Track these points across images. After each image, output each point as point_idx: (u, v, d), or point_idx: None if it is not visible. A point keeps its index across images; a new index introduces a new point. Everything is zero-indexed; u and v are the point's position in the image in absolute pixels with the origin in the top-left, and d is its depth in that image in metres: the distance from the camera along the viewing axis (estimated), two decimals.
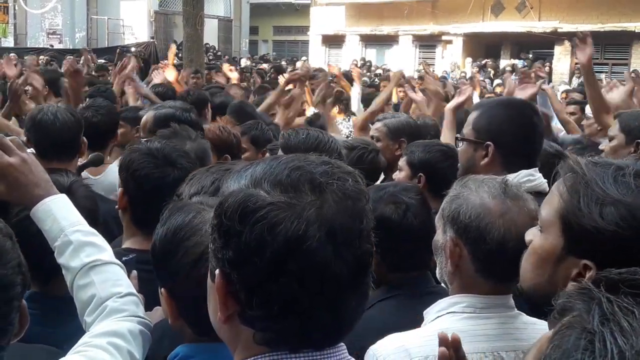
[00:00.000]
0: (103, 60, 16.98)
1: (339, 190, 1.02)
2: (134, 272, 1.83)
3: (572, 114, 6.64)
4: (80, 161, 3.36)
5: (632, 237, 1.26)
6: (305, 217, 0.98)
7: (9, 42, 27.17)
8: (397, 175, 3.11)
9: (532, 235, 1.50)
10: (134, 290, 1.60)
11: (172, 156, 2.34)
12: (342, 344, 1.10)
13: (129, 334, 1.46)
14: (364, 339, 1.66)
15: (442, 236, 1.77)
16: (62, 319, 1.76)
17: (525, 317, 1.76)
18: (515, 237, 1.65)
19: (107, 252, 1.61)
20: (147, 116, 3.70)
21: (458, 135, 2.57)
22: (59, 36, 29.19)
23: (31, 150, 1.79)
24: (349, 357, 1.10)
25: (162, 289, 1.49)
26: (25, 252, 1.84)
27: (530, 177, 2.34)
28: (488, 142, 2.39)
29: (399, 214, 2.10)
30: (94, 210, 2.11)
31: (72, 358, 1.35)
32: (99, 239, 1.62)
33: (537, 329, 1.72)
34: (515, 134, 2.41)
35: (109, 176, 3.52)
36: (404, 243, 2.04)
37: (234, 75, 10.06)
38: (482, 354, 1.66)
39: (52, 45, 26.21)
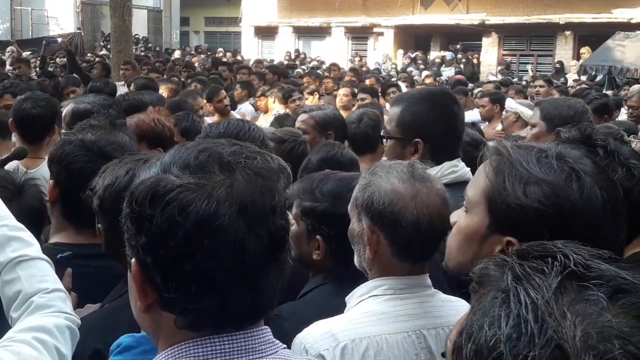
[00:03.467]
0: (29, 52, 16.47)
1: (248, 169, 1.04)
2: (69, 269, 1.80)
3: (482, 106, 6.84)
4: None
5: (553, 214, 1.32)
6: (215, 196, 0.99)
7: None
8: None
9: (457, 216, 1.55)
10: (61, 286, 1.57)
11: (107, 149, 2.29)
12: (266, 326, 1.11)
13: (55, 330, 1.44)
14: (304, 325, 1.68)
15: (357, 224, 1.79)
16: None
17: (442, 295, 1.83)
18: (427, 218, 1.71)
19: (34, 247, 1.58)
20: (66, 109, 3.62)
21: (383, 133, 2.55)
22: None
23: None
24: (274, 338, 1.12)
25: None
26: None
27: (454, 169, 2.40)
28: (417, 139, 2.40)
29: None
30: (42, 211, 2.06)
31: None
32: (26, 234, 1.59)
33: (455, 305, 1.79)
34: (441, 127, 2.43)
35: (43, 170, 3.43)
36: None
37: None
38: (406, 333, 1.70)
39: None
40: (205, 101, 6.43)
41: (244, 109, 8.21)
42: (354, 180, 1.94)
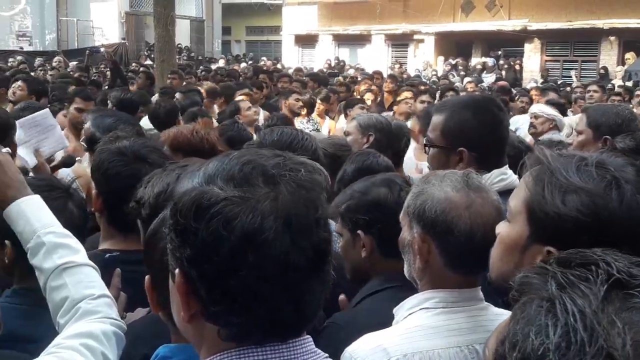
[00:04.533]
0: (75, 62, 16.82)
1: (292, 181, 1.02)
2: (118, 270, 1.82)
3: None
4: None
5: (592, 223, 1.30)
6: (260, 209, 0.98)
7: None
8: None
9: (501, 227, 1.53)
10: (107, 292, 1.58)
11: (142, 152, 2.30)
12: (309, 336, 1.10)
13: (102, 336, 1.45)
14: (362, 335, 1.65)
15: (408, 233, 1.76)
16: (45, 313, 1.76)
17: (494, 309, 1.78)
18: (482, 228, 1.67)
19: (80, 254, 1.59)
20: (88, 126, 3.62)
21: (426, 142, 2.50)
22: (28, 38, 28.80)
23: (6, 149, 1.76)
24: (316, 348, 1.11)
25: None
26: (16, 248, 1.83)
27: (503, 177, 2.35)
28: (461, 148, 2.35)
29: (394, 194, 2.07)
30: (85, 217, 2.10)
31: (44, 359, 1.34)
32: (73, 241, 1.60)
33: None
34: (486, 136, 2.38)
35: None
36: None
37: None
38: (458, 348, 1.66)
39: (21, 48, 25.87)
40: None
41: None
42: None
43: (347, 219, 2.10)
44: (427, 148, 2.49)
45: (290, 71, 15.58)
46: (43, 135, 3.67)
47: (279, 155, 1.07)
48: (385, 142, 3.76)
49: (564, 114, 6.95)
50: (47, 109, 4.13)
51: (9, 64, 16.33)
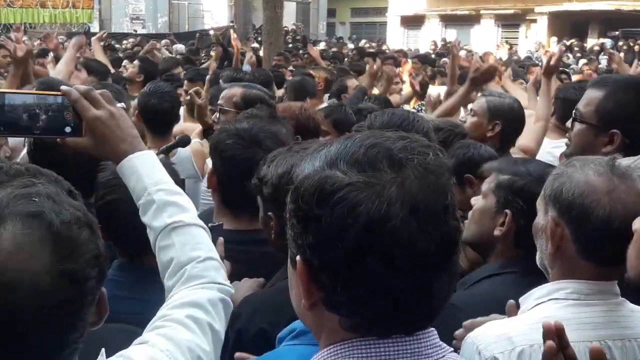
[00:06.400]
0: (181, 46, 17.32)
1: (419, 166, 0.97)
2: (221, 238, 1.81)
3: None
4: None
5: None
6: (386, 195, 0.94)
7: (94, 28, 28.09)
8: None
9: (638, 224, 1.44)
10: (214, 255, 1.54)
11: (259, 137, 2.31)
12: (433, 329, 1.05)
13: (208, 304, 1.42)
14: (474, 315, 1.64)
15: (543, 217, 1.69)
16: (149, 287, 1.77)
17: (631, 305, 1.68)
18: (622, 217, 1.56)
19: (189, 213, 1.55)
20: (232, 91, 3.67)
21: (575, 115, 2.36)
22: (142, 21, 30.00)
23: (121, 104, 1.74)
24: (441, 342, 1.06)
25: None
26: (115, 230, 1.89)
27: None
28: (614, 130, 2.21)
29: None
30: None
31: (149, 336, 1.32)
32: (183, 199, 1.57)
33: None
34: None
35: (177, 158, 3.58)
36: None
37: None
38: (589, 342, 1.57)
39: (135, 30, 26.92)
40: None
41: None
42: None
43: (502, 192, 2.03)
44: (573, 122, 2.36)
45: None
46: None
47: (404, 138, 1.02)
48: (511, 134, 3.53)
49: None
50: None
51: (123, 46, 17.09)
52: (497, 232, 2.00)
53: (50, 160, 1.71)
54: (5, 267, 0.98)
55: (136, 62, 6.78)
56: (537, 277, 1.74)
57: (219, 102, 3.62)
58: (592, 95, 2.32)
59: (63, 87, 1.52)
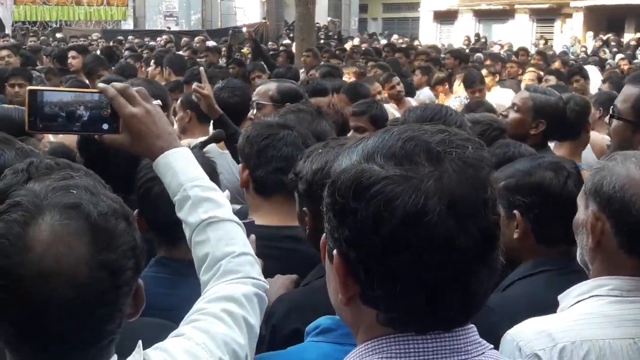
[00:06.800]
0: (214, 43, 17.44)
1: (458, 159, 0.96)
2: (252, 236, 1.81)
3: None
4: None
5: None
6: (423, 189, 0.92)
7: (129, 25, 28.47)
8: None
9: None
10: (249, 250, 1.55)
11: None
12: (473, 325, 1.03)
13: (243, 299, 1.43)
14: (514, 320, 1.61)
15: (583, 212, 1.67)
16: (187, 281, 1.78)
17: None
18: None
19: (224, 209, 1.56)
20: (267, 86, 3.69)
21: (612, 112, 2.34)
22: (175, 18, 30.23)
23: (157, 102, 1.76)
24: (481, 339, 1.04)
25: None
26: (153, 220, 1.91)
27: None
28: None
29: (560, 180, 2.00)
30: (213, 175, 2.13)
31: (185, 329, 1.33)
32: (218, 194, 1.58)
33: None
34: None
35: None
36: (562, 211, 1.90)
37: None
38: (632, 339, 1.55)
39: (169, 27, 27.13)
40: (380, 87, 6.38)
41: (423, 95, 8.01)
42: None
43: (504, 197, 2.02)
44: (611, 119, 2.35)
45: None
46: None
47: (443, 131, 1.00)
48: (554, 133, 3.45)
49: None
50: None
51: (156, 43, 17.28)
52: (516, 236, 2.00)
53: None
54: (44, 257, 0.99)
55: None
56: (570, 276, 1.73)
57: (254, 98, 3.63)
58: (629, 92, 2.31)
59: (100, 85, 1.53)
